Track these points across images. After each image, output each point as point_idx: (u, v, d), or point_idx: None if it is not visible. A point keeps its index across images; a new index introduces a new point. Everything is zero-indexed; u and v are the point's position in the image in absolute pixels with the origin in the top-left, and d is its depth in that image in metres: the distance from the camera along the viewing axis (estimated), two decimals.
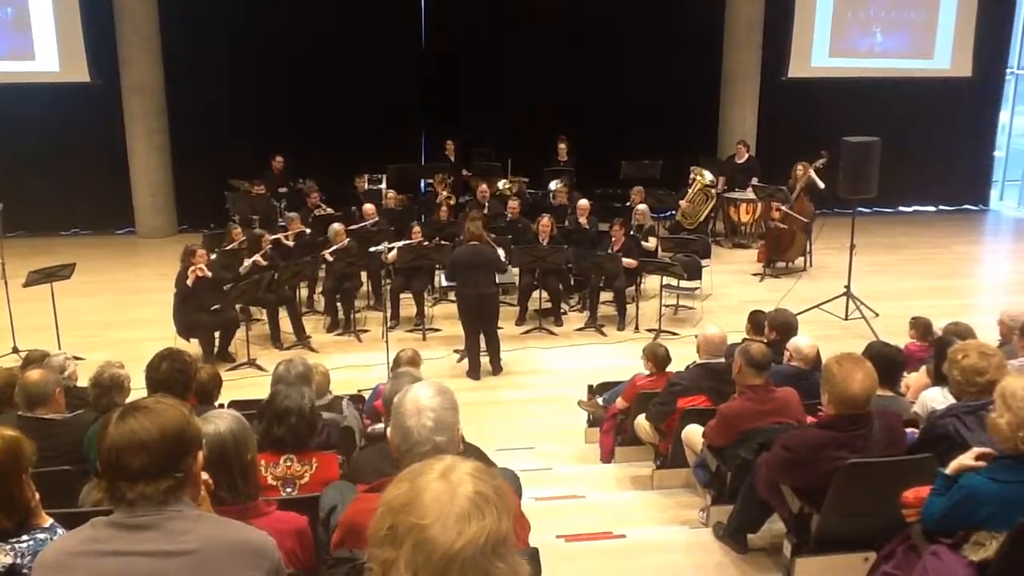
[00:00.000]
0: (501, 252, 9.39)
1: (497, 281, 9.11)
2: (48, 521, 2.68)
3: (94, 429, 3.63)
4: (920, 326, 6.72)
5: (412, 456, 2.29)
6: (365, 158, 13.03)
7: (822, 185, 11.74)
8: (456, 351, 9.24)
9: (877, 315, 9.83)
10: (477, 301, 8.56)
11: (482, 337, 8.76)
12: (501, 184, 12.81)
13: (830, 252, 11.74)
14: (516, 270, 10.38)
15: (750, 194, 12.95)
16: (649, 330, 9.75)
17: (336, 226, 10.31)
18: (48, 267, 8.99)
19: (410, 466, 1.60)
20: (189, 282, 8.76)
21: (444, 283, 10.40)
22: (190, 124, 13.69)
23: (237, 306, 9.14)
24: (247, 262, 9.46)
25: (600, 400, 7.14)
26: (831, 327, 9.59)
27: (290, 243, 10.28)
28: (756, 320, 6.75)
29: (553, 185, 12.58)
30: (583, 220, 10.92)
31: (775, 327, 6.33)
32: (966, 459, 3.27)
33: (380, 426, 4.53)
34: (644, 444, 6.25)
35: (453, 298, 10.55)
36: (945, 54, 15.27)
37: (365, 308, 10.52)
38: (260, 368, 8.66)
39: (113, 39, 13.28)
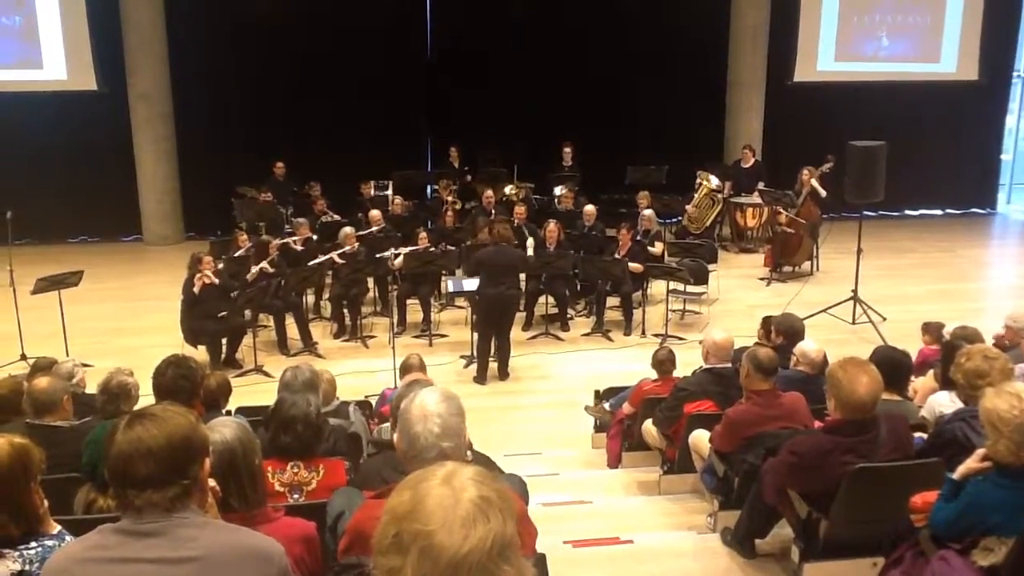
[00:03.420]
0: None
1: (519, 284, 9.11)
2: (56, 528, 2.68)
3: (93, 435, 3.64)
4: (933, 330, 6.71)
5: (419, 462, 2.29)
6: (371, 164, 13.07)
7: (824, 193, 11.73)
8: (463, 356, 9.24)
9: (884, 319, 9.81)
10: (498, 301, 8.54)
11: (494, 342, 8.75)
12: (507, 190, 12.82)
13: (837, 256, 11.73)
14: (523, 276, 10.38)
15: (756, 199, 12.94)
16: (656, 335, 9.74)
17: (347, 229, 10.32)
18: (56, 274, 9.02)
19: (412, 473, 1.60)
20: (196, 289, 8.79)
21: (451, 289, 10.40)
22: (197, 131, 13.74)
23: (245, 312, 9.17)
24: (254, 269, 9.49)
25: (607, 405, 7.14)
26: (838, 331, 9.56)
27: (299, 248, 10.31)
28: (768, 325, 6.74)
29: (558, 191, 12.60)
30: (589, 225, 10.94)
31: (782, 331, 6.33)
32: (972, 462, 3.25)
33: (387, 426, 4.54)
34: (651, 449, 6.24)
35: (460, 304, 10.60)
36: (951, 58, 15.25)
37: (372, 314, 10.53)
38: (267, 374, 8.68)
39: (120, 47, 13.35)
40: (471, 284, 8.96)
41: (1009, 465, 3.13)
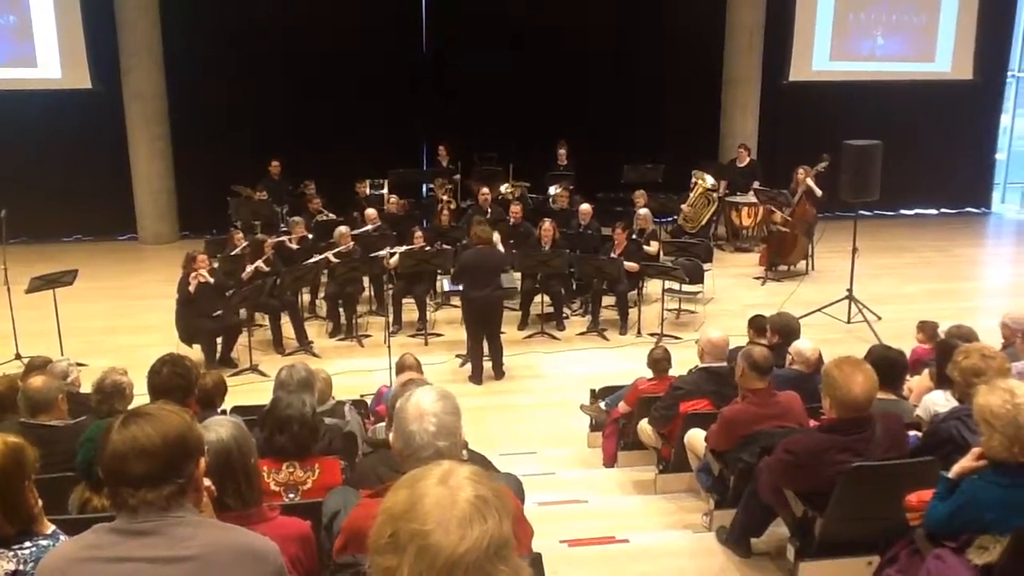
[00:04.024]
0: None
1: (503, 285, 9.11)
2: (50, 528, 2.67)
3: (88, 433, 3.63)
4: (927, 329, 6.72)
5: (414, 461, 2.29)
6: (366, 163, 13.07)
7: (819, 192, 11.75)
8: (458, 356, 9.24)
9: (879, 318, 9.82)
10: (483, 304, 8.55)
11: (485, 342, 8.76)
12: (503, 188, 12.82)
13: (832, 255, 11.74)
14: (518, 275, 10.39)
15: (752, 198, 12.96)
16: (651, 334, 9.74)
17: (342, 228, 10.33)
18: (50, 273, 9.00)
19: (408, 472, 1.59)
20: (191, 288, 8.77)
21: (446, 288, 10.40)
22: (191, 130, 13.72)
23: (241, 311, 9.15)
24: (249, 268, 9.47)
25: (602, 404, 7.14)
26: (833, 330, 9.58)
27: (294, 246, 10.30)
28: (757, 325, 6.74)
29: (553, 190, 12.60)
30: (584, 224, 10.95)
31: (777, 331, 6.33)
32: (967, 461, 3.26)
33: (382, 425, 4.53)
34: (647, 448, 6.24)
35: (455, 303, 10.59)
36: (946, 57, 15.28)
37: (367, 313, 10.52)
38: (262, 374, 8.66)
39: (115, 46, 13.32)
40: None
41: (1004, 461, 3.13)
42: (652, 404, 5.95)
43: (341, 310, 10.01)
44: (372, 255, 9.99)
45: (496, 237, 9.69)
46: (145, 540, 2.01)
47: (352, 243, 10.17)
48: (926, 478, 3.54)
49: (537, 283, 10.10)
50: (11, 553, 2.54)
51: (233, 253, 9.95)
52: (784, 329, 6.28)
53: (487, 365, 8.80)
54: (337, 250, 10.03)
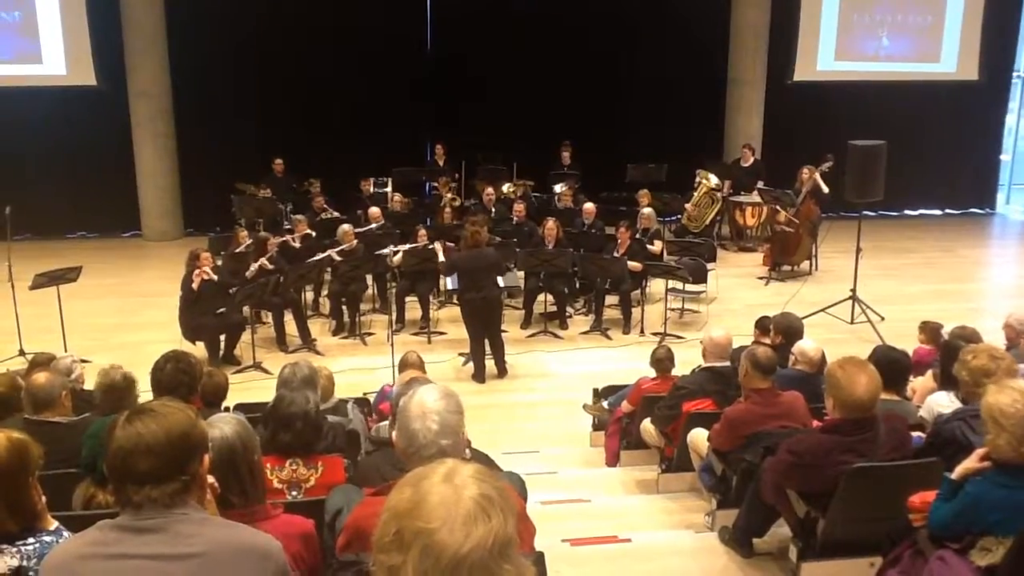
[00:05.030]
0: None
1: (502, 285, 9.11)
2: (54, 524, 2.68)
3: (92, 429, 3.64)
4: (929, 330, 6.70)
5: (417, 459, 2.30)
6: (370, 161, 13.07)
7: (826, 189, 11.72)
8: (461, 354, 9.24)
9: (883, 319, 9.81)
10: (480, 305, 8.56)
11: (487, 341, 8.76)
12: (506, 187, 12.82)
13: (836, 256, 11.73)
14: (521, 273, 10.39)
15: (756, 198, 12.94)
16: (654, 334, 9.73)
17: (346, 227, 10.34)
18: (55, 270, 9.02)
19: (412, 471, 1.60)
20: (194, 286, 8.78)
21: (449, 286, 10.39)
22: (196, 128, 13.73)
23: (245, 309, 9.16)
24: (253, 266, 9.48)
25: (605, 404, 7.14)
26: (837, 331, 9.56)
27: (297, 245, 10.31)
28: (763, 326, 6.73)
29: (558, 188, 12.60)
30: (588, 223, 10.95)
31: (780, 331, 6.32)
32: (971, 462, 3.26)
33: (385, 424, 4.54)
34: (649, 448, 6.24)
35: (457, 301, 10.59)
36: (951, 58, 15.25)
37: (370, 311, 10.52)
38: (265, 371, 8.67)
39: (120, 43, 13.34)
40: None
41: (1009, 461, 3.13)
42: (655, 403, 5.96)
43: (344, 308, 10.02)
44: (375, 253, 9.99)
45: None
46: (149, 537, 2.02)
47: (355, 241, 10.18)
48: (929, 479, 3.55)
49: (540, 282, 10.10)
50: (15, 549, 2.54)
51: (237, 251, 9.97)
52: (787, 329, 6.27)
53: (489, 363, 8.80)
54: (340, 248, 10.05)
